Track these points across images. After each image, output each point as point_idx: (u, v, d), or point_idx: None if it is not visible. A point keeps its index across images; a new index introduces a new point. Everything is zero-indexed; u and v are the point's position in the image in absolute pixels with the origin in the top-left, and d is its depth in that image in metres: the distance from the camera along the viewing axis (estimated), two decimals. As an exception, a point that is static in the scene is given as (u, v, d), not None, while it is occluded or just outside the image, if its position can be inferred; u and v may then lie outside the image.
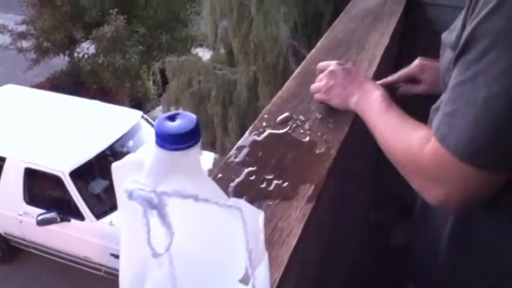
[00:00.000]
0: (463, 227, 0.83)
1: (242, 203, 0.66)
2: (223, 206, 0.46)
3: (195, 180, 0.46)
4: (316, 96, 1.09)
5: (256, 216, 0.61)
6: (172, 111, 0.48)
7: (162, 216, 0.44)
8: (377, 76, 1.23)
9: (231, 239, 0.49)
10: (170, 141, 0.45)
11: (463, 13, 0.73)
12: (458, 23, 0.74)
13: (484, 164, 0.66)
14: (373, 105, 0.91)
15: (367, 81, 0.99)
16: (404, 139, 0.79)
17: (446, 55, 0.80)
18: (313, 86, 1.10)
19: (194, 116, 0.47)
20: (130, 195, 0.43)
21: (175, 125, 0.46)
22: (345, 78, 1.02)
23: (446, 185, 0.70)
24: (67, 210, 5.55)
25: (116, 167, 0.51)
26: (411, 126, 0.81)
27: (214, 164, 5.96)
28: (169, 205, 0.45)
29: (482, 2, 0.66)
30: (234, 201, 0.53)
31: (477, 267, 0.83)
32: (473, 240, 0.83)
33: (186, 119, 0.46)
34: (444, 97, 0.72)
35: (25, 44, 10.53)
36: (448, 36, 0.79)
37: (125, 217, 0.49)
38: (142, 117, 6.62)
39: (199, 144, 0.47)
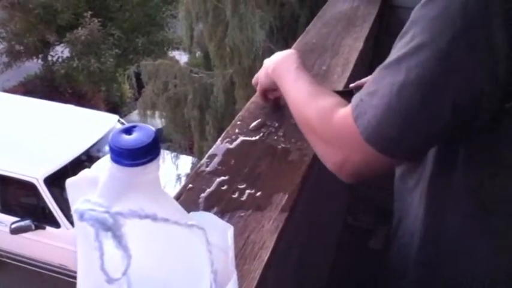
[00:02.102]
0: (435, 231, 0.82)
1: (210, 216, 0.63)
2: (184, 226, 0.43)
3: (153, 199, 0.43)
4: (258, 91, 1.11)
5: (225, 231, 0.58)
6: (129, 124, 0.44)
7: (118, 239, 0.41)
8: (351, 81, 1.21)
9: (195, 260, 0.46)
10: (126, 156, 0.42)
11: None
12: None
13: (384, 149, 0.68)
14: (286, 72, 0.93)
15: (286, 51, 1.01)
16: (313, 103, 0.82)
17: None
18: (253, 80, 1.12)
19: (152, 129, 0.44)
20: (82, 217, 0.40)
21: (131, 139, 0.42)
22: (271, 58, 1.03)
23: (345, 153, 0.73)
24: (42, 218, 5.41)
25: (71, 183, 0.47)
26: (322, 93, 0.84)
27: (192, 168, 5.90)
28: (125, 226, 0.41)
29: None
30: (197, 215, 0.50)
31: (448, 273, 0.82)
32: (444, 245, 0.82)
33: (143, 132, 0.43)
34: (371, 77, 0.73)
35: (-4, 47, 10.30)
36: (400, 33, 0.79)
37: (79, 239, 0.45)
38: (118, 121, 6.51)
39: (158, 159, 0.43)
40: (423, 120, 0.65)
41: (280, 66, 0.96)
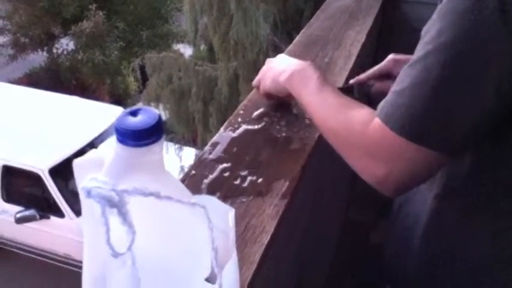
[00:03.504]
0: (436, 226, 0.83)
1: (212, 199, 0.65)
2: (186, 204, 0.45)
3: (157, 178, 0.45)
4: (260, 91, 1.05)
5: (226, 213, 0.60)
6: (135, 107, 0.46)
7: (123, 215, 0.43)
8: (353, 72, 1.23)
9: (196, 238, 0.48)
10: (131, 137, 0.44)
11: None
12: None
13: (431, 143, 0.66)
14: (307, 81, 0.88)
15: (300, 61, 0.95)
16: (345, 116, 0.78)
17: None
18: (254, 82, 1.07)
19: (157, 112, 0.46)
20: (89, 194, 0.42)
21: (136, 121, 0.44)
22: (277, 62, 0.99)
23: (388, 164, 0.69)
24: (46, 208, 5.47)
25: (77, 163, 0.49)
26: (352, 105, 0.80)
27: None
28: (130, 203, 0.43)
29: None
30: (200, 198, 0.52)
31: (450, 267, 0.84)
32: (446, 240, 0.83)
33: (148, 115, 0.45)
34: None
35: (1, 39, 10.32)
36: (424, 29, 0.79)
37: (85, 216, 0.47)
38: (122, 113, 6.54)
39: (162, 141, 0.45)
40: (467, 112, 0.65)
41: (298, 76, 0.90)
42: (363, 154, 0.74)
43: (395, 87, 0.69)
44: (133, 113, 0.45)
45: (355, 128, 0.75)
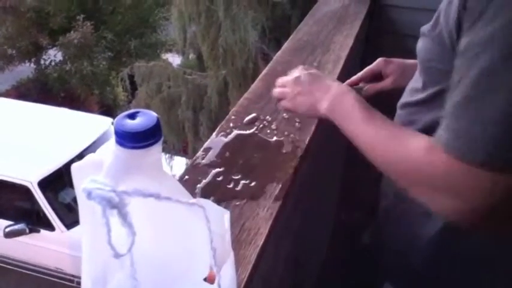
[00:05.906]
0: (440, 223, 0.84)
1: (208, 202, 0.66)
2: (185, 204, 0.46)
3: (156, 179, 0.46)
4: (282, 104, 0.96)
5: (221, 216, 0.61)
6: (133, 109, 0.47)
7: (123, 216, 0.44)
8: (342, 77, 1.25)
9: (195, 238, 0.49)
10: (130, 139, 0.45)
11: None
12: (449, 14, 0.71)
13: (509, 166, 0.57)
14: (351, 112, 0.81)
15: (336, 84, 0.89)
16: (400, 148, 0.69)
17: (425, 44, 0.80)
18: (277, 92, 0.96)
19: (155, 114, 0.47)
20: (89, 195, 0.43)
21: (135, 123, 0.45)
22: (311, 84, 0.90)
23: (467, 198, 0.59)
24: (36, 221, 5.40)
25: (76, 167, 0.50)
26: (405, 134, 0.72)
27: (186, 170, 5.91)
28: (130, 204, 0.44)
29: None
30: (198, 199, 0.53)
31: (454, 261, 0.85)
32: (450, 235, 0.84)
33: (146, 117, 0.46)
34: (450, 99, 0.63)
35: (-12, 51, 10.27)
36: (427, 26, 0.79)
37: (85, 219, 0.48)
38: (112, 124, 6.52)
39: (160, 143, 0.46)
40: None
41: (340, 106, 0.84)
42: (430, 188, 0.65)
43: (455, 115, 0.61)
44: (132, 116, 0.46)
45: (413, 159, 0.66)
